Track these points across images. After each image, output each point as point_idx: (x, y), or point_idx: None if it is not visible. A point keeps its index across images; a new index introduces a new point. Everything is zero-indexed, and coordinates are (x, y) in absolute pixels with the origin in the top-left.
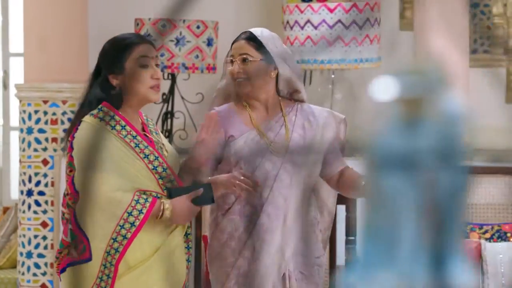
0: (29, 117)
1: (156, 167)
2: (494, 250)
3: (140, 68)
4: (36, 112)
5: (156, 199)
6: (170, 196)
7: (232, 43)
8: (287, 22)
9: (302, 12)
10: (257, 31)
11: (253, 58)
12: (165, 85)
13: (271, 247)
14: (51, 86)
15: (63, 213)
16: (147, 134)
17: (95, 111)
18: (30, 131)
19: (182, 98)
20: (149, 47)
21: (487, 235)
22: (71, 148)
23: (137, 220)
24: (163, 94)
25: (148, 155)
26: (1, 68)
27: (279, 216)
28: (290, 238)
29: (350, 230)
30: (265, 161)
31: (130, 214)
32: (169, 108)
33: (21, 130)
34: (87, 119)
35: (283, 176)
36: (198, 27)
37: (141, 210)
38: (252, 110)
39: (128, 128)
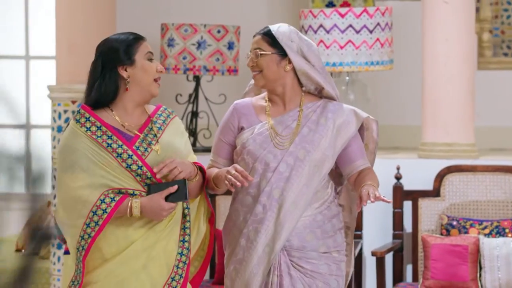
0: (59, 117)
1: (130, 165)
2: (491, 245)
3: (148, 61)
4: (65, 111)
5: (124, 198)
6: (149, 192)
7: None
8: (302, 26)
9: (315, 17)
10: (274, 26)
11: (265, 51)
12: (190, 87)
13: (263, 237)
14: (79, 87)
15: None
16: (133, 131)
17: (75, 113)
18: (60, 129)
19: (206, 99)
20: (148, 44)
21: (486, 231)
22: None
23: (100, 220)
24: (189, 95)
25: (121, 154)
26: (25, 70)
27: (273, 207)
28: (283, 230)
29: (356, 225)
30: (267, 153)
31: (94, 213)
32: (194, 109)
33: (52, 129)
34: (71, 121)
35: (282, 169)
36: (218, 31)
37: (106, 209)
38: (270, 104)
39: (103, 128)
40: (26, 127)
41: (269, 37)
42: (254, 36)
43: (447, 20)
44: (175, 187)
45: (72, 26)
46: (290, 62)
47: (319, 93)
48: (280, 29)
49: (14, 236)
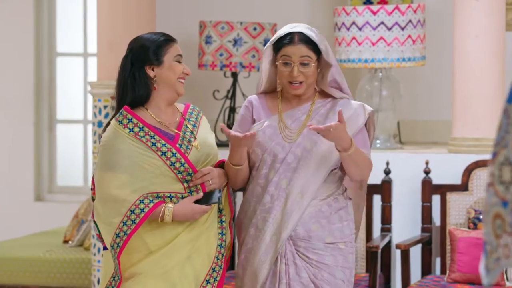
0: (99, 112)
1: (174, 163)
2: None
3: (176, 63)
4: (105, 107)
5: (160, 203)
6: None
7: (283, 44)
8: (336, 23)
9: (348, 14)
10: (308, 31)
11: (312, 61)
12: (227, 83)
13: (271, 226)
14: None
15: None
16: (173, 130)
17: (117, 115)
18: (100, 124)
19: (243, 94)
20: (178, 47)
21: None
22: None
23: (137, 218)
24: (227, 91)
25: (165, 152)
26: (46, 68)
27: (281, 197)
28: (290, 219)
29: (385, 218)
30: (275, 145)
31: (132, 212)
32: (231, 104)
33: (93, 124)
34: (112, 122)
35: (290, 159)
36: (254, 28)
37: (143, 209)
38: (283, 98)
39: (146, 129)
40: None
41: (311, 44)
42: (290, 43)
43: (477, 17)
44: (201, 194)
45: (113, 24)
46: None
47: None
48: (311, 33)
49: (62, 228)
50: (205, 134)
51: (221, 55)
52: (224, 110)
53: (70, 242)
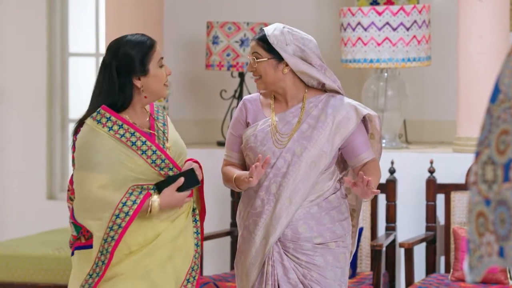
0: None
1: (155, 160)
2: None
3: (160, 68)
4: None
5: (149, 194)
6: (159, 190)
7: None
8: (341, 24)
9: (353, 15)
10: (269, 29)
11: (262, 58)
12: (234, 83)
13: (260, 230)
14: None
15: (68, 206)
16: (148, 130)
17: (94, 114)
18: None
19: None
20: (157, 45)
21: None
22: (74, 147)
23: (130, 210)
24: (234, 90)
25: (145, 151)
26: (58, 68)
27: (271, 201)
28: (278, 224)
29: (390, 217)
30: (266, 150)
31: (124, 204)
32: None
33: None
34: (88, 121)
35: (280, 164)
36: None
37: (135, 201)
38: (275, 100)
39: (125, 126)
40: None
41: (264, 42)
42: (251, 40)
43: (481, 18)
44: (182, 179)
45: (121, 26)
46: (287, 64)
47: (322, 87)
48: (274, 32)
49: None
50: (175, 134)
51: (228, 55)
52: (231, 110)
53: (69, 244)
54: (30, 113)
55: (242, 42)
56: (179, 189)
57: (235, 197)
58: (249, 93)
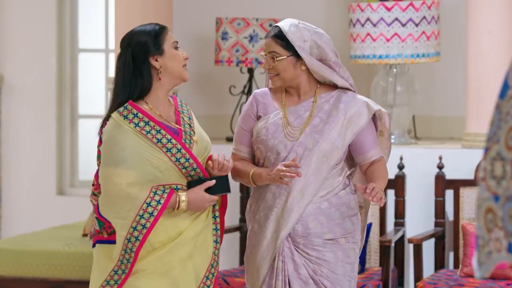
0: None
1: (179, 158)
2: None
3: (175, 50)
4: None
5: (173, 192)
6: (189, 187)
7: (265, 37)
8: (351, 20)
9: (362, 10)
10: (285, 26)
11: (281, 56)
12: (243, 78)
13: (271, 223)
14: None
15: (91, 201)
16: (174, 125)
17: (121, 109)
18: None
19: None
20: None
21: None
22: (100, 141)
23: (155, 210)
24: (243, 86)
25: (170, 149)
26: (68, 64)
27: (282, 195)
28: (289, 218)
29: (399, 213)
30: (278, 143)
31: (149, 204)
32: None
33: None
34: (114, 115)
35: (291, 158)
36: (270, 25)
37: (159, 200)
38: (286, 94)
39: (151, 123)
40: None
41: (282, 40)
42: (265, 37)
43: (490, 13)
44: (213, 181)
45: (130, 22)
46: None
47: (334, 84)
48: (291, 29)
49: (82, 222)
50: (199, 128)
51: (237, 51)
52: (240, 105)
53: (89, 235)
54: (40, 109)
55: (251, 38)
56: (208, 192)
57: (244, 192)
58: (258, 89)
